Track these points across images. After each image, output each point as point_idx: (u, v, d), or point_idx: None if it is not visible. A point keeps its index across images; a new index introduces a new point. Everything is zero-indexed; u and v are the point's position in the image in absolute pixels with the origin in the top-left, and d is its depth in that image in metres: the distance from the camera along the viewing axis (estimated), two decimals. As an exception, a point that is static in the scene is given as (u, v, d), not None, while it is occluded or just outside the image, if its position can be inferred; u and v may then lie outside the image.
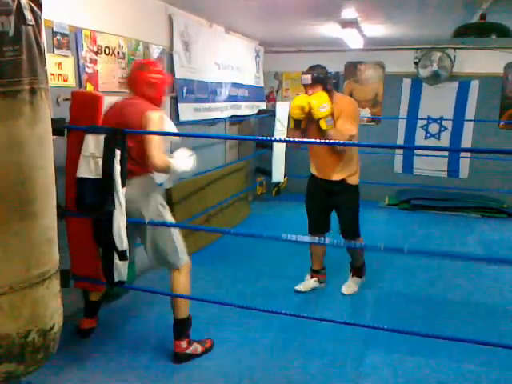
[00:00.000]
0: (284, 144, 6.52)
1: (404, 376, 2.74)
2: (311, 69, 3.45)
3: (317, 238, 3.60)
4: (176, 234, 2.80)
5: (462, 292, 3.90)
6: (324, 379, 2.68)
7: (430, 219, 6.16)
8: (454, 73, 6.55)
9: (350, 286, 3.82)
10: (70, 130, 2.54)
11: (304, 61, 7.13)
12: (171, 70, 4.34)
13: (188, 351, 2.82)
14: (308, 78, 3.37)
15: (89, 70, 3.28)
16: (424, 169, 6.97)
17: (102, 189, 2.42)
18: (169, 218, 2.84)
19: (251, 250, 4.78)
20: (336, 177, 3.53)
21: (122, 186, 2.48)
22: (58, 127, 2.35)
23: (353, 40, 5.56)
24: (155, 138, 2.58)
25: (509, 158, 6.18)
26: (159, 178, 3.07)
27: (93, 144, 2.40)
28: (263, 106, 6.88)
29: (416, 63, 6.61)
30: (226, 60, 5.48)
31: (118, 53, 3.59)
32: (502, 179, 6.56)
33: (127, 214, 2.56)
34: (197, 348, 2.87)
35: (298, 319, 3.15)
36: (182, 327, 2.82)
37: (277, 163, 6.53)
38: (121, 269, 2.55)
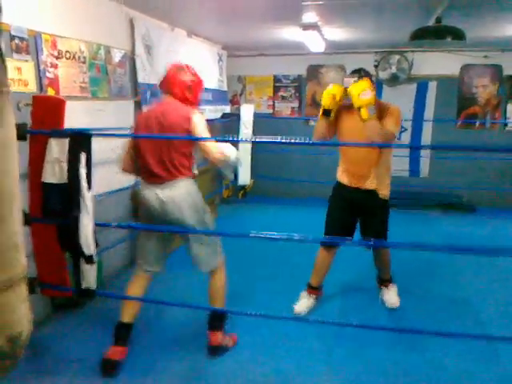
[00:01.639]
0: (249, 146, 6.56)
1: (371, 367, 2.81)
2: (355, 72, 3.23)
3: (330, 253, 3.46)
4: (216, 237, 2.92)
5: (423, 284, 4.02)
6: (295, 375, 2.73)
7: (392, 217, 6.29)
8: (412, 75, 6.75)
9: (392, 298, 3.61)
10: (32, 135, 2.50)
11: (267, 64, 7.27)
12: (133, 74, 4.32)
13: (223, 343, 2.92)
14: (350, 81, 3.06)
15: (50, 75, 3.24)
16: (392, 169, 7.13)
17: (68, 194, 2.39)
18: (210, 221, 2.89)
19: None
20: (369, 185, 3.28)
21: (89, 190, 2.46)
22: (20, 132, 2.31)
23: (314, 43, 5.66)
24: (207, 137, 2.69)
25: (466, 157, 6.41)
26: (230, 175, 3.04)
27: (57, 148, 2.37)
28: (227, 109, 6.90)
29: (376, 66, 6.78)
30: (189, 64, 5.46)
31: (79, 57, 3.56)
32: (461, 177, 6.80)
33: (166, 215, 2.71)
34: (229, 341, 2.97)
35: (268, 320, 3.20)
36: (220, 320, 2.93)
37: (243, 166, 6.56)
38: (88, 274, 2.52)
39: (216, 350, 2.91)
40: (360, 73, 3.18)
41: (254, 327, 3.24)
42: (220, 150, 2.68)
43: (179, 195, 2.73)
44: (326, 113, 3.18)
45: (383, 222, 3.41)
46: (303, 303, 3.51)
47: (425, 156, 7.00)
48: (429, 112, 6.93)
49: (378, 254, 3.55)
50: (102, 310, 3.46)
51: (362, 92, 2.91)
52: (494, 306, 3.64)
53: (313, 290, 3.57)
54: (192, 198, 2.78)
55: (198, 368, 2.80)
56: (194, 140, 2.71)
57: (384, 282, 3.68)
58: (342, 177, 3.42)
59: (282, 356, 2.93)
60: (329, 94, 3.10)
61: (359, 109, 2.94)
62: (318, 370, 2.78)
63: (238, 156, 2.79)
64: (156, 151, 2.72)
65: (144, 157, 2.75)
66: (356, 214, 3.41)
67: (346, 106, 3.22)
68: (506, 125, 6.77)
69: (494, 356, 2.93)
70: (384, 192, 3.33)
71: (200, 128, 2.70)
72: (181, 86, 2.80)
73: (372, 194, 3.30)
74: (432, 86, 6.86)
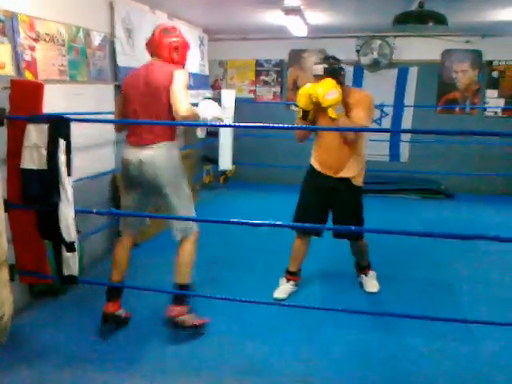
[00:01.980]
0: (231, 131, 6.54)
1: (353, 351, 2.85)
2: (324, 59, 3.22)
3: (304, 240, 3.49)
4: (191, 203, 2.95)
5: (402, 269, 4.08)
6: (278, 360, 2.75)
7: (372, 202, 6.34)
8: (394, 60, 6.76)
9: (371, 283, 3.64)
10: (10, 120, 2.44)
11: (248, 49, 7.20)
12: (113, 57, 4.24)
13: (180, 318, 2.88)
14: (318, 69, 3.13)
15: (27, 58, 3.16)
16: (366, 153, 7.17)
17: (47, 180, 2.35)
18: (186, 187, 2.93)
19: (201, 237, 4.76)
20: (342, 174, 3.31)
21: (68, 176, 2.42)
22: (-3, 117, 2.26)
23: (296, 28, 5.62)
24: (180, 90, 2.69)
25: (446, 141, 6.48)
26: (200, 133, 3.06)
27: (35, 134, 2.32)
28: (208, 94, 6.83)
29: (357, 51, 6.77)
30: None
31: (58, 40, 3.47)
32: (440, 162, 6.88)
33: (144, 176, 2.78)
34: (194, 319, 2.93)
35: (253, 305, 3.21)
36: (181, 293, 2.92)
37: (224, 151, 6.54)
38: (70, 262, 2.49)
39: (173, 324, 2.91)
40: (329, 60, 3.19)
41: (233, 314, 3.25)
42: (188, 107, 2.70)
43: (159, 156, 2.79)
44: (304, 115, 3.22)
45: (357, 211, 3.42)
46: (282, 289, 3.54)
47: (405, 141, 7.05)
48: (409, 97, 6.97)
49: (353, 244, 3.54)
50: (82, 297, 3.44)
51: (326, 92, 2.97)
52: (473, 289, 3.72)
53: (291, 275, 3.59)
54: (171, 162, 2.84)
55: (181, 354, 2.80)
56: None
57: (362, 269, 3.68)
58: (315, 163, 3.43)
59: (263, 342, 2.95)
60: (304, 95, 3.11)
61: (327, 108, 3.03)
62: (299, 355, 2.81)
63: (217, 116, 2.87)
64: (143, 111, 2.80)
65: (132, 117, 2.84)
66: (328, 201, 3.40)
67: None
68: (485, 110, 6.86)
69: (471, 338, 3.00)
70: (358, 179, 3.36)
71: (178, 82, 2.71)
72: (167, 48, 2.85)
73: (345, 181, 3.33)
74: (413, 72, 6.89)
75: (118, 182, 4.35)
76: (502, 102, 6.75)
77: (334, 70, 3.13)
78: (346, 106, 3.15)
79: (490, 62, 6.72)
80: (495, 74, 6.74)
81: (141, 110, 2.83)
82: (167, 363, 2.71)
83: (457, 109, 6.91)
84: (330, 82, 3.01)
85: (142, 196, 2.98)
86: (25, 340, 2.89)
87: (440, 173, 6.79)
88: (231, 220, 2.64)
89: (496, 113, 6.83)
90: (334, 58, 3.23)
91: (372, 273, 3.69)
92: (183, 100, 2.69)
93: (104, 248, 4.27)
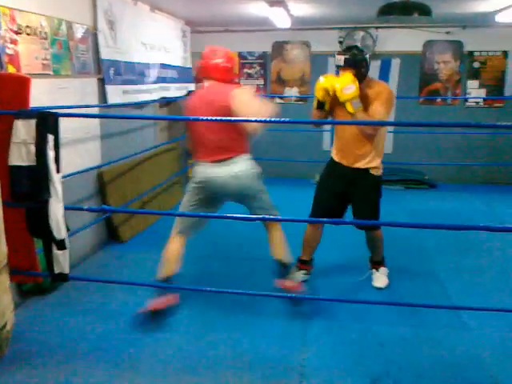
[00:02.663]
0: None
1: (346, 341, 2.87)
2: (348, 49, 3.20)
3: (316, 229, 3.51)
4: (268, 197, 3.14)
5: (389, 259, 4.09)
6: (272, 350, 2.75)
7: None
8: (377, 51, 6.79)
9: (380, 278, 3.59)
10: (-4, 116, 2.38)
11: (231, 41, 7.13)
12: (96, 50, 4.17)
13: (293, 290, 3.14)
14: (341, 60, 3.11)
15: (9, 51, 3.07)
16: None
17: (36, 177, 2.30)
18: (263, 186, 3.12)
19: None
20: (360, 165, 3.30)
21: (57, 173, 2.38)
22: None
23: (280, 19, 5.60)
24: (248, 107, 2.79)
25: (429, 132, 6.55)
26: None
27: (24, 130, 2.27)
28: (192, 87, 6.78)
29: (340, 42, 6.78)
30: (153, 40, 5.34)
31: (41, 32, 3.39)
32: (423, 152, 6.95)
33: (228, 191, 2.99)
34: (298, 286, 3.19)
35: (243, 297, 3.22)
36: (287, 268, 3.17)
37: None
38: (60, 259, 2.46)
39: (296, 303, 3.17)
40: (352, 51, 3.17)
41: (228, 306, 3.25)
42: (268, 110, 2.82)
43: (244, 169, 3.00)
44: (320, 105, 3.22)
45: (373, 202, 3.41)
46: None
47: (388, 131, 7.07)
48: (392, 89, 6.97)
49: (368, 235, 3.53)
50: (71, 295, 3.40)
51: (344, 86, 2.98)
52: (458, 277, 3.77)
53: (302, 264, 3.59)
54: (253, 172, 3.06)
55: (173, 349, 2.79)
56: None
57: (375, 263, 3.65)
58: (335, 154, 3.45)
59: (258, 332, 2.96)
60: (321, 88, 3.11)
61: (344, 103, 3.03)
62: (294, 346, 2.82)
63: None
64: (210, 131, 2.94)
65: (199, 139, 3.04)
66: (346, 190, 3.40)
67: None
68: (466, 100, 6.94)
69: (461, 324, 3.05)
70: (376, 170, 3.34)
71: (239, 99, 2.82)
72: (219, 70, 2.97)
73: (363, 172, 3.32)
74: (395, 63, 6.92)
75: (106, 179, 4.32)
76: (483, 92, 6.85)
77: (356, 62, 3.11)
78: (365, 98, 3.13)
79: (471, 53, 6.80)
80: (476, 64, 6.82)
81: (208, 131, 2.95)
82: (159, 359, 2.69)
83: (439, 100, 6.98)
84: (348, 76, 3.02)
85: (217, 206, 3.21)
86: (14, 340, 2.82)
87: (423, 163, 6.86)
88: (224, 215, 2.63)
89: (477, 103, 6.92)
90: (357, 48, 3.24)
91: (384, 269, 3.64)
92: (258, 112, 2.76)
93: (91, 244, 4.21)
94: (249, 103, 2.83)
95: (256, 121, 2.67)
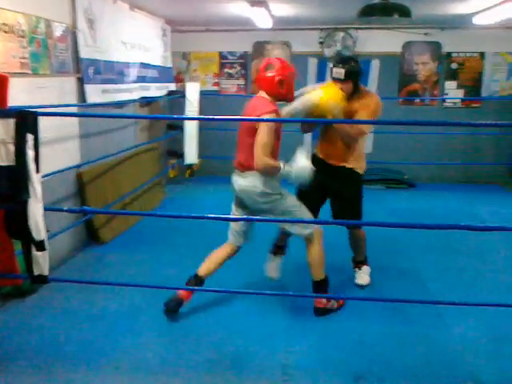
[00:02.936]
0: (196, 125, 6.47)
1: (329, 340, 2.88)
2: (345, 61, 3.19)
3: None
4: (297, 208, 3.08)
5: (372, 258, 4.12)
6: (255, 350, 2.75)
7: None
8: (357, 52, 6.82)
9: (362, 277, 3.61)
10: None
11: (212, 40, 7.12)
12: (75, 49, 4.11)
13: (328, 306, 3.17)
14: (341, 73, 3.12)
15: (-14, 49, 3.02)
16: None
17: (16, 177, 2.26)
18: (288, 197, 3.07)
19: (170, 232, 4.73)
20: (342, 164, 3.36)
21: (37, 173, 2.33)
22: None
23: (261, 19, 5.60)
24: (263, 136, 2.81)
25: (408, 132, 6.62)
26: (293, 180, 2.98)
27: (2, 129, 2.21)
28: (172, 87, 6.74)
29: (321, 43, 6.81)
30: (132, 39, 5.29)
31: (18, 30, 3.32)
32: (402, 152, 7.03)
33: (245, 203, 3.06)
34: (333, 304, 3.20)
35: (225, 296, 3.21)
36: (320, 287, 3.15)
37: (189, 145, 6.47)
38: (40, 261, 2.41)
39: (320, 312, 3.15)
40: (350, 63, 3.20)
41: (210, 305, 3.24)
42: (264, 161, 2.82)
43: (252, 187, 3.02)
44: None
45: (354, 200, 3.44)
46: (273, 265, 3.53)
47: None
48: (372, 89, 7.04)
49: (351, 235, 3.56)
50: (51, 297, 3.34)
51: (331, 101, 3.04)
52: (440, 276, 3.82)
53: (278, 248, 3.59)
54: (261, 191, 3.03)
55: (156, 350, 2.76)
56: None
57: (357, 263, 3.68)
58: (318, 151, 3.49)
59: (241, 332, 2.95)
60: (316, 106, 3.09)
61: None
62: (277, 345, 2.82)
63: (292, 171, 2.88)
64: (242, 141, 3.07)
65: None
66: (327, 187, 3.41)
67: None
68: (444, 101, 7.04)
69: (441, 321, 3.09)
70: (357, 169, 3.39)
71: (261, 132, 2.83)
72: (270, 83, 2.93)
73: (344, 170, 3.37)
74: (375, 64, 6.98)
75: (85, 179, 4.26)
76: (460, 93, 6.96)
77: (355, 74, 3.18)
78: (351, 108, 3.18)
79: (449, 54, 6.90)
80: (454, 65, 6.92)
81: (240, 139, 3.10)
82: (142, 360, 2.66)
83: (417, 100, 7.07)
84: (337, 92, 3.09)
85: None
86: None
87: (402, 163, 6.94)
88: (205, 215, 2.61)
89: (455, 103, 7.03)
90: (353, 59, 3.29)
91: (365, 268, 3.67)
92: (260, 154, 2.83)
93: (71, 246, 4.15)
94: (261, 140, 2.83)
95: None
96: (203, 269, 3.12)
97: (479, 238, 4.54)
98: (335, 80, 3.18)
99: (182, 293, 3.05)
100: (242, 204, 3.15)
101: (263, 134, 2.82)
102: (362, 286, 3.57)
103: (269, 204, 3.01)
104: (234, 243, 3.19)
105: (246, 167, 2.99)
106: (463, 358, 2.71)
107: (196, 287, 3.08)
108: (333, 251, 3.94)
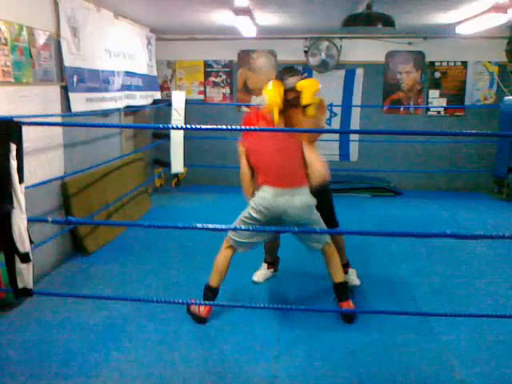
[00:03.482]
0: (182, 134, 6.44)
1: (317, 350, 2.86)
2: (293, 71, 3.23)
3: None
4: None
5: (358, 267, 4.12)
6: (244, 362, 2.71)
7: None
8: (341, 61, 6.89)
9: (352, 279, 3.67)
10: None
11: (197, 49, 7.12)
12: (59, 57, 4.06)
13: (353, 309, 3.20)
14: (294, 80, 3.15)
15: (-33, 58, 2.96)
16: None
17: (-2, 187, 2.21)
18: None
19: (156, 242, 4.69)
20: None
21: (20, 183, 2.29)
22: None
23: (246, 28, 5.61)
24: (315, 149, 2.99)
25: (393, 140, 6.68)
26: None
27: (-16, 138, 2.18)
28: (158, 95, 6.71)
29: (306, 52, 6.85)
30: (117, 47, 5.26)
31: (0, 38, 3.28)
32: (388, 160, 7.08)
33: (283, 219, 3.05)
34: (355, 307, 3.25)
35: (213, 308, 3.17)
36: (344, 290, 3.23)
37: (176, 154, 6.44)
38: (24, 273, 2.36)
39: (350, 317, 3.15)
40: (296, 72, 3.23)
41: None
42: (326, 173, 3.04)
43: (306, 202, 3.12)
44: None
45: (325, 205, 3.42)
46: (261, 273, 3.82)
47: (354, 140, 7.20)
48: (356, 97, 7.13)
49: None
50: (35, 310, 3.26)
51: (315, 91, 3.08)
52: (425, 283, 3.83)
53: (269, 264, 3.89)
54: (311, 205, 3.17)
55: (140, 363, 2.71)
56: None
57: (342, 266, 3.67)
58: None
59: (230, 343, 2.91)
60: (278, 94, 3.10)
61: (306, 106, 3.05)
62: (266, 356, 2.78)
63: None
64: (279, 158, 3.13)
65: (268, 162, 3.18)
66: None
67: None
68: (428, 110, 7.11)
69: (429, 330, 3.09)
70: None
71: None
72: None
73: None
74: (359, 73, 7.04)
75: (70, 190, 4.19)
76: (444, 102, 7.04)
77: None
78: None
79: (433, 63, 6.99)
80: (437, 74, 7.01)
81: (274, 156, 3.17)
82: (126, 375, 2.60)
83: (401, 109, 7.13)
84: (317, 82, 3.14)
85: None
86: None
87: (388, 170, 6.99)
88: (195, 225, 2.59)
89: (439, 112, 7.10)
90: (295, 68, 3.33)
91: (351, 270, 3.74)
92: (322, 167, 3.07)
93: (56, 257, 4.07)
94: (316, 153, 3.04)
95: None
96: (214, 279, 3.18)
97: (464, 245, 4.58)
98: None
99: (201, 311, 3.11)
100: (277, 221, 3.09)
101: (314, 146, 3.00)
102: (352, 288, 3.58)
103: (314, 215, 3.11)
104: (236, 248, 3.20)
105: (297, 183, 3.05)
106: (451, 366, 2.71)
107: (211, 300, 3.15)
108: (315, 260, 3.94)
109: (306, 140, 3.11)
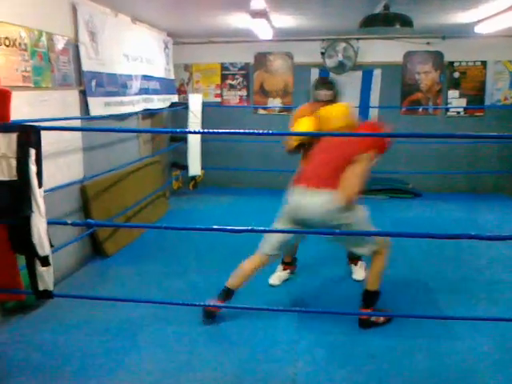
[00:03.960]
0: (199, 137, 6.47)
1: (337, 353, 2.83)
2: (328, 83, 3.34)
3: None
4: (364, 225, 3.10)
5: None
6: (262, 365, 2.70)
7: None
8: (358, 62, 6.84)
9: (359, 272, 3.83)
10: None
11: (214, 52, 7.14)
12: (77, 62, 4.11)
13: (372, 319, 3.09)
14: (329, 95, 3.32)
15: (-12, 64, 3.01)
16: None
17: (18, 192, 2.23)
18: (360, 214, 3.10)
19: (174, 245, 4.70)
20: None
21: (39, 187, 2.31)
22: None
23: (262, 31, 5.60)
24: (364, 169, 2.97)
25: (412, 142, 6.60)
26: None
27: (4, 143, 2.20)
28: (175, 98, 6.74)
29: (322, 53, 6.81)
30: (134, 51, 5.30)
31: (20, 44, 3.32)
32: (406, 162, 7.00)
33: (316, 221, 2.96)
34: (379, 317, 3.12)
35: (230, 310, 3.17)
36: (371, 298, 3.14)
37: (193, 156, 6.46)
38: (45, 276, 2.38)
39: (365, 324, 3.09)
40: (329, 86, 3.44)
41: (216, 319, 3.19)
42: (356, 194, 2.94)
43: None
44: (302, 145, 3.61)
45: None
46: (277, 276, 3.79)
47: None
48: (374, 99, 7.06)
49: None
50: (55, 312, 3.30)
51: (336, 119, 3.18)
52: (446, 286, 3.77)
53: (286, 265, 3.85)
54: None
55: (158, 365, 2.71)
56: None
57: (353, 259, 3.89)
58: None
59: (248, 346, 2.89)
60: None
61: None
62: (285, 360, 2.76)
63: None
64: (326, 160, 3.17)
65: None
66: None
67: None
68: (447, 110, 7.02)
69: (451, 334, 3.03)
70: None
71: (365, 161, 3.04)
72: None
73: None
74: (377, 74, 6.98)
75: (89, 193, 4.23)
76: (463, 102, 6.93)
77: (338, 94, 3.51)
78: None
79: (451, 63, 6.89)
80: (456, 74, 6.91)
81: (321, 156, 3.23)
82: (145, 377, 2.61)
83: (420, 109, 7.05)
84: (344, 108, 3.26)
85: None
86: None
87: (406, 172, 6.91)
88: (213, 227, 2.58)
89: (459, 112, 7.00)
90: (330, 78, 3.56)
91: (361, 263, 3.88)
92: (357, 186, 3.01)
93: (76, 260, 4.11)
94: (362, 172, 2.99)
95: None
96: (233, 282, 3.15)
97: (486, 247, 4.50)
98: (319, 102, 3.40)
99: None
100: (303, 222, 3.05)
101: (366, 166, 2.97)
102: (359, 281, 3.66)
103: (347, 220, 3.00)
104: (269, 253, 3.16)
105: (324, 185, 2.97)
106: (475, 371, 2.65)
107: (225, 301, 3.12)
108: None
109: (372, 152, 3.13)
